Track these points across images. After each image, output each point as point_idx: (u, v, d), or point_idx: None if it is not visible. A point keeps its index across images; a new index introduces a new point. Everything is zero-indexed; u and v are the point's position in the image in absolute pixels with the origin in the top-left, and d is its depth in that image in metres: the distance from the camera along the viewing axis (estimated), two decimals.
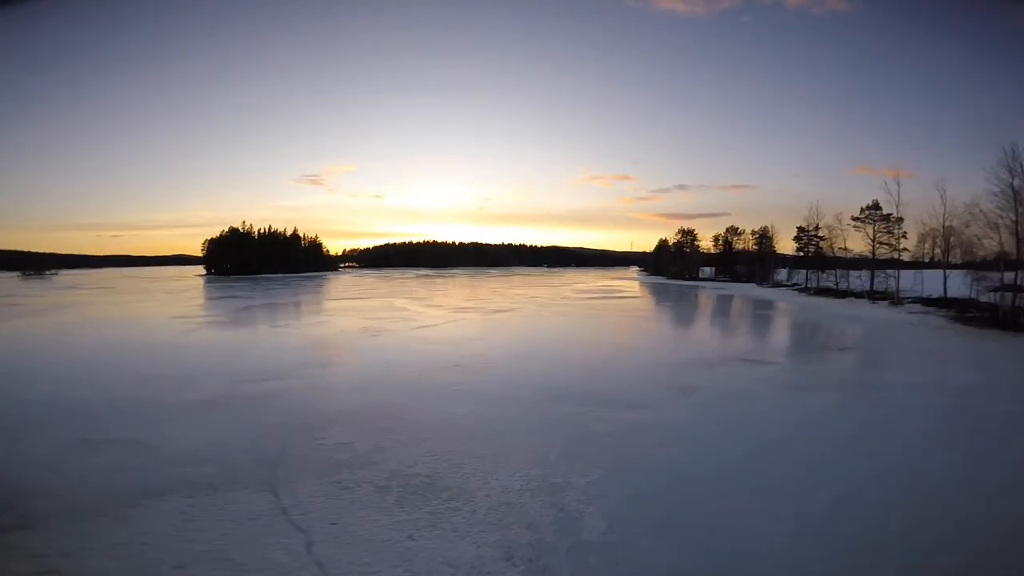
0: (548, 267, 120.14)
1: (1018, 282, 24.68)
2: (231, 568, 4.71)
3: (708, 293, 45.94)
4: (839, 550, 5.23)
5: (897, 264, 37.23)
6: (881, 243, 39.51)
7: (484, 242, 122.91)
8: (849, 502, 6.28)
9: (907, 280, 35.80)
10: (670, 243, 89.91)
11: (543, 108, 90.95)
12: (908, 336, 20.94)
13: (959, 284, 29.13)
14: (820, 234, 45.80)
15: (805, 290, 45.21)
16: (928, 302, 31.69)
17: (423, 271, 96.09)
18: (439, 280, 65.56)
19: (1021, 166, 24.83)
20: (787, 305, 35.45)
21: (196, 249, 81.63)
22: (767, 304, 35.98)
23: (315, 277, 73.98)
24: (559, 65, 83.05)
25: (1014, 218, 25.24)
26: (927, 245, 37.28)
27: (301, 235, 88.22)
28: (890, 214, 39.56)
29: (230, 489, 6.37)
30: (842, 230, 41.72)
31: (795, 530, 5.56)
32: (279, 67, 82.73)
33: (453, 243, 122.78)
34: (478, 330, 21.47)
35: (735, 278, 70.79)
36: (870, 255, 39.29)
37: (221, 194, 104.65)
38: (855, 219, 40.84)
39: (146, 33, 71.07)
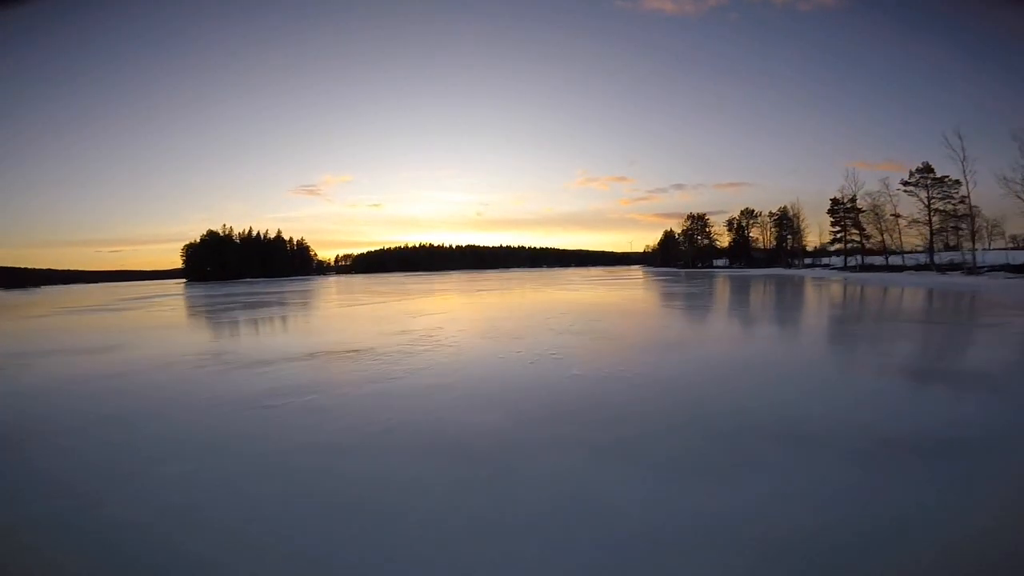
0: (547, 267, 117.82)
1: None
2: None
3: (754, 278, 39.95)
4: None
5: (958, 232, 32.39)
6: (937, 209, 34.66)
7: (481, 245, 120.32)
8: None
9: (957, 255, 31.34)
10: (676, 234, 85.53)
11: (538, 114, 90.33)
12: None
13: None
14: (858, 205, 40.84)
15: (847, 268, 40.12)
16: (1013, 269, 26.83)
17: (419, 275, 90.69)
18: (437, 280, 60.01)
19: None
20: (860, 283, 30.21)
21: None
22: (828, 283, 30.72)
23: (297, 281, 68.25)
24: (551, 70, 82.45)
25: None
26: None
27: (287, 238, 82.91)
28: (945, 176, 34.74)
29: None
30: (890, 196, 36.70)
31: None
32: (274, 80, 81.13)
33: (450, 247, 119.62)
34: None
35: (752, 265, 66.07)
36: (924, 222, 34.40)
37: (221, 207, 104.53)
38: (905, 183, 35.92)
39: (143, 46, 70.70)
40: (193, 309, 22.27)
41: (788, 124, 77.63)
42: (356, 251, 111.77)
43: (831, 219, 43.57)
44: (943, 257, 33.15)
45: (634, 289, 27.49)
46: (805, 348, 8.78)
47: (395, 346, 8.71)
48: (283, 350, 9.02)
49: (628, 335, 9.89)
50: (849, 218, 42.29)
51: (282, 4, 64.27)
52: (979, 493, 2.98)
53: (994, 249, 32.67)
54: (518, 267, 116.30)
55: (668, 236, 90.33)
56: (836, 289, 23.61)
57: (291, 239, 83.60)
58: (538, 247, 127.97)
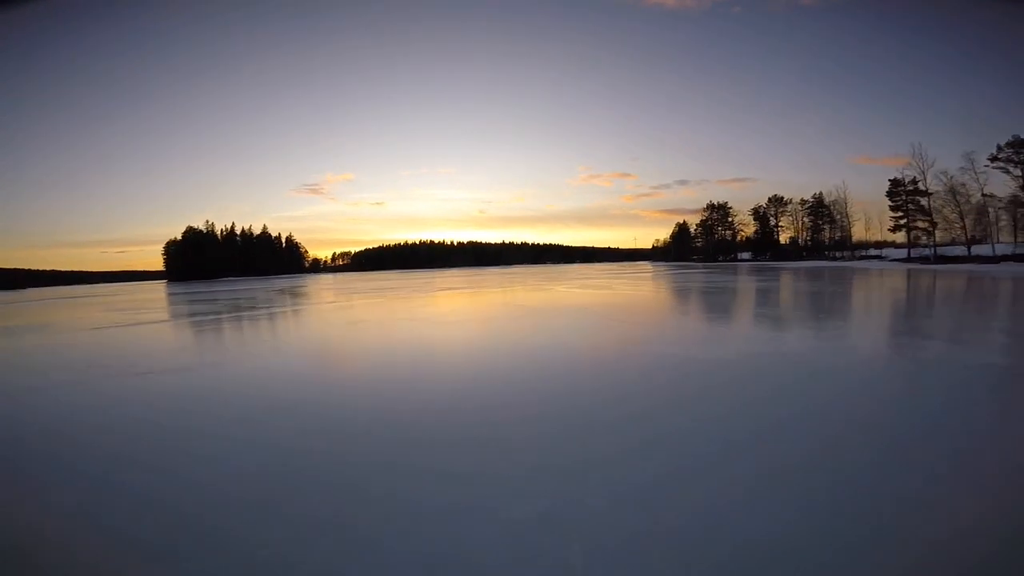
0: (551, 263, 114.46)
1: None
2: None
3: (823, 272, 34.21)
4: None
5: None
6: None
7: (482, 241, 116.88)
8: None
9: None
10: (694, 225, 79.93)
11: (540, 110, 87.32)
12: None
13: None
14: (927, 188, 35.28)
15: (917, 260, 34.61)
16: None
17: (412, 272, 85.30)
18: (423, 278, 54.15)
19: None
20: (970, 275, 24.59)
21: None
22: (919, 276, 25.10)
23: (276, 280, 62.51)
24: (552, 66, 79.39)
25: None
26: None
27: (275, 235, 76.92)
28: None
29: None
30: (976, 173, 31.18)
31: None
32: (275, 79, 77.26)
33: (451, 243, 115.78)
34: None
35: (780, 257, 60.54)
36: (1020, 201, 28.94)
37: (222, 207, 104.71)
38: (993, 159, 30.45)
39: (144, 47, 66.51)
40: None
41: (792, 118, 75.17)
42: (355, 249, 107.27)
43: (890, 204, 38.04)
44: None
45: (697, 286, 21.74)
46: None
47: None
48: None
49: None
50: (912, 202, 36.83)
51: (284, 5, 61.27)
52: None
53: None
54: (520, 263, 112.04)
55: (682, 228, 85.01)
56: (988, 287, 18.03)
57: (279, 236, 77.67)
58: (541, 243, 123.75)
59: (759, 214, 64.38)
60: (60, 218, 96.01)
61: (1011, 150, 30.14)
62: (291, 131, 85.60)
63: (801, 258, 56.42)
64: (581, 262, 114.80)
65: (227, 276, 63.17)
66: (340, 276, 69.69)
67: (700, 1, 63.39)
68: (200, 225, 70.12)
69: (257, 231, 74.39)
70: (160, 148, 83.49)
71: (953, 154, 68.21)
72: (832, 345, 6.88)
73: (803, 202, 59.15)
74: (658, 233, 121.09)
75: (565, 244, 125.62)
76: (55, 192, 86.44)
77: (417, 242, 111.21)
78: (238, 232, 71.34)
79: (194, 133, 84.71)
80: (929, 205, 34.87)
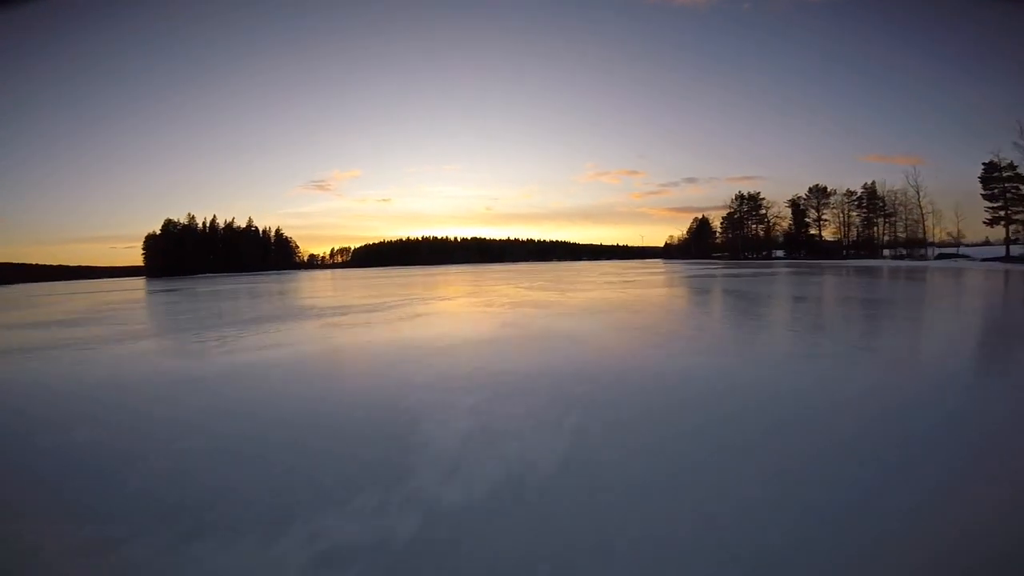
0: (558, 260, 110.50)
1: None
2: None
3: (938, 272, 27.98)
4: None
5: None
6: None
7: (487, 237, 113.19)
8: None
9: None
10: (712, 222, 73.84)
11: (547, 107, 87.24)
12: None
13: None
14: None
15: (1018, 259, 28.65)
16: None
17: (411, 269, 79.54)
18: (422, 274, 47.74)
19: None
20: None
21: None
22: None
23: (252, 277, 56.43)
24: (560, 64, 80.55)
25: None
26: None
27: (261, 229, 70.75)
28: None
29: None
30: None
31: None
32: (284, 76, 78.03)
33: (454, 239, 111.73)
34: None
35: (818, 255, 54.31)
36: None
37: (229, 204, 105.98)
38: None
39: (149, 43, 65.23)
40: None
41: (801, 116, 74.16)
42: (354, 244, 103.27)
43: (983, 192, 32.04)
44: None
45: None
46: None
47: None
48: None
49: None
50: (1012, 191, 30.86)
51: (292, 4, 59.84)
52: None
53: None
54: (525, 260, 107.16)
55: (701, 224, 79.19)
56: None
57: (267, 230, 71.50)
58: (548, 240, 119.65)
59: (797, 207, 57.99)
60: (67, 215, 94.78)
61: None
62: (300, 128, 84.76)
63: (840, 257, 50.44)
64: (588, 259, 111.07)
65: (208, 272, 57.11)
66: (329, 272, 64.30)
67: None
68: (183, 219, 64.32)
69: (223, 220, 68.01)
70: (167, 146, 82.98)
71: (963, 153, 65.52)
72: None
73: (849, 193, 53.10)
74: (666, 231, 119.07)
75: (571, 241, 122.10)
76: (57, 191, 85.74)
77: (420, 237, 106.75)
78: (221, 225, 65.15)
79: (201, 131, 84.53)
80: None
